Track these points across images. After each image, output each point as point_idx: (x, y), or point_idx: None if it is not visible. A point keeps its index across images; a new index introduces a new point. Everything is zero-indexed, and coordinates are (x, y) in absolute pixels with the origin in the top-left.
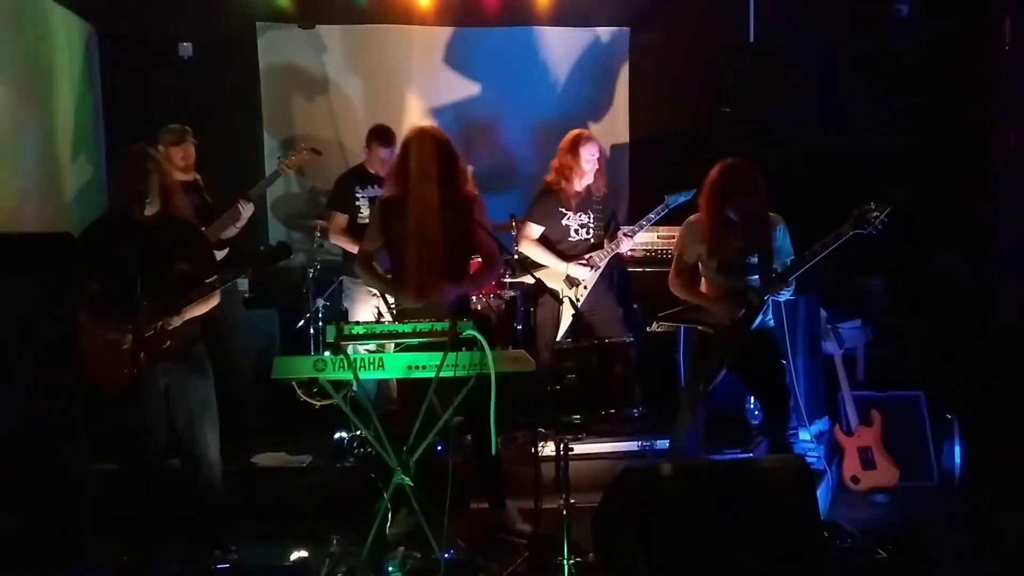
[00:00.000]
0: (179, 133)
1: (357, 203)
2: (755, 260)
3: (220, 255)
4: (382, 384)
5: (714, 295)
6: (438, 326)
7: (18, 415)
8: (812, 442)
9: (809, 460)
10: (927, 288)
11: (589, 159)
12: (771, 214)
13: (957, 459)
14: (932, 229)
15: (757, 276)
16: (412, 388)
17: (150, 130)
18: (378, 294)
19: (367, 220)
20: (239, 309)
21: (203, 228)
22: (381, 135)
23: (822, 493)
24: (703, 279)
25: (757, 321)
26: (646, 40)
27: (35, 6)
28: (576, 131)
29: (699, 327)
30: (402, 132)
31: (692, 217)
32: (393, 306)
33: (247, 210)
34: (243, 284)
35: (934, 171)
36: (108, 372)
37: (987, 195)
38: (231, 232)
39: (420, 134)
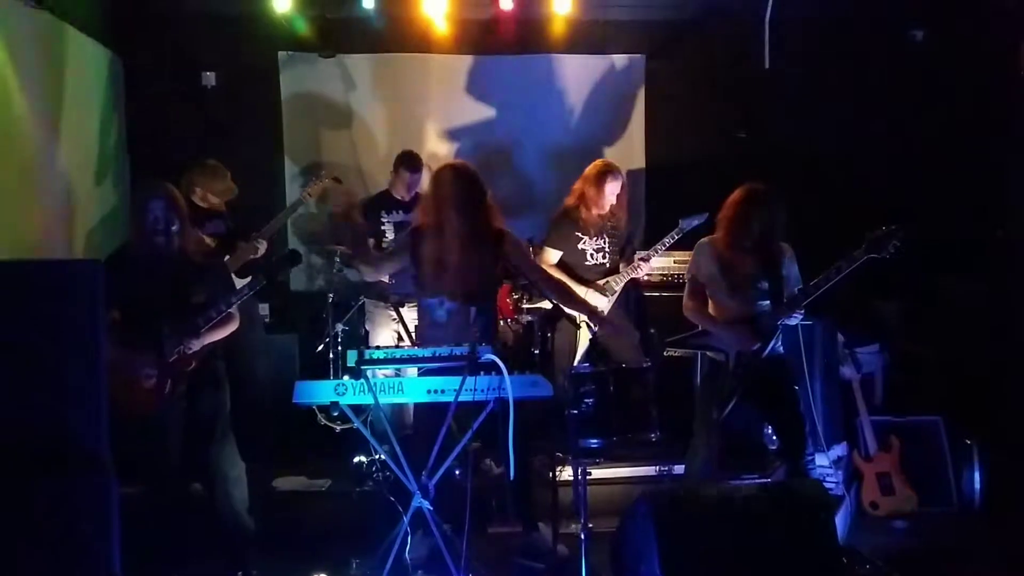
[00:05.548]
0: (223, 172)
1: (383, 227)
2: (765, 286)
3: (242, 283)
4: (396, 408)
5: (725, 320)
6: (457, 350)
7: (48, 441)
8: (830, 467)
9: (827, 485)
10: (945, 313)
11: (609, 194)
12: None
13: (977, 484)
14: (949, 254)
15: (768, 302)
16: (431, 412)
17: (174, 158)
18: (397, 317)
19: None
20: (260, 334)
21: (226, 257)
22: (409, 160)
23: (840, 519)
24: (712, 303)
25: (768, 348)
26: (662, 67)
27: (60, 34)
28: (604, 162)
29: (709, 353)
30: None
31: (705, 238)
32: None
33: (262, 247)
34: (264, 309)
35: (951, 196)
36: (133, 403)
37: (1004, 220)
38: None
39: (447, 169)
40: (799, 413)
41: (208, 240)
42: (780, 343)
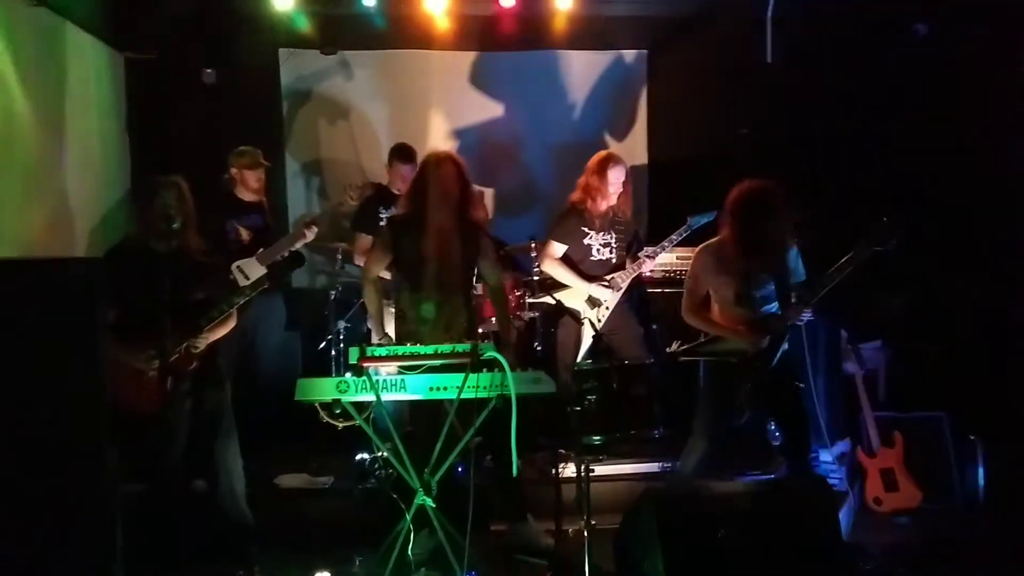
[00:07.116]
0: (255, 157)
1: (381, 223)
2: (771, 288)
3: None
4: (399, 405)
5: (734, 325)
6: (459, 348)
7: (49, 438)
8: (834, 464)
9: (831, 482)
10: (948, 308)
11: (615, 181)
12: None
13: (980, 480)
14: (952, 250)
15: (774, 304)
16: (433, 409)
17: (174, 155)
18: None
19: None
20: (279, 333)
21: (261, 250)
22: (401, 152)
23: (844, 515)
24: (717, 308)
25: (779, 351)
26: (665, 62)
27: (60, 32)
28: (605, 152)
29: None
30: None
31: (708, 243)
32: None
33: (311, 234)
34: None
35: (954, 191)
36: (136, 400)
37: (1007, 215)
38: (285, 254)
39: (439, 159)
40: (803, 410)
41: (244, 232)
42: (786, 342)
